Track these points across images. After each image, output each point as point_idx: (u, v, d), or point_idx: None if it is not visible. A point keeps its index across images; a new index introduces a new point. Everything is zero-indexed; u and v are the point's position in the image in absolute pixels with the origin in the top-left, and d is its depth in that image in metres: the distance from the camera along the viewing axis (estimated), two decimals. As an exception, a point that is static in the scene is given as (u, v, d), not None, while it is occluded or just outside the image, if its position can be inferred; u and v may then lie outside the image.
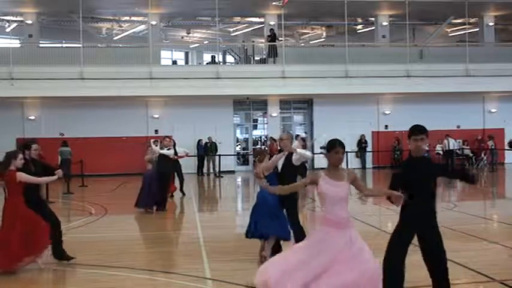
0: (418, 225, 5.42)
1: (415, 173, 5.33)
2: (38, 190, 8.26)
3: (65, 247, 8.16)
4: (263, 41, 28.67)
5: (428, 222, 5.46)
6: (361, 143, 27.34)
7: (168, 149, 14.29)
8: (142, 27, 32.32)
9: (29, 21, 26.45)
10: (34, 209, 7.65)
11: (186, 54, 38.42)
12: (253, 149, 26.59)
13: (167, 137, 14.81)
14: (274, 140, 25.86)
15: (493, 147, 26.50)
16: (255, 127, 29.58)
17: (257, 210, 7.82)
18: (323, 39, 35.77)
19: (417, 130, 5.35)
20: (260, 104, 27.72)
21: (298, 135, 24.33)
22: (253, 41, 32.70)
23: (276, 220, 7.64)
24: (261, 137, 29.36)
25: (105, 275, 7.51)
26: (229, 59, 30.00)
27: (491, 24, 29.12)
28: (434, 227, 5.50)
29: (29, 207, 7.61)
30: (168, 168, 14.18)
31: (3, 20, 29.69)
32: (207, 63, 30.01)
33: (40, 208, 7.84)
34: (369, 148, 27.56)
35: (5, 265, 7.44)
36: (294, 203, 7.81)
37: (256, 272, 5.21)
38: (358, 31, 34.44)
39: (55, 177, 8.04)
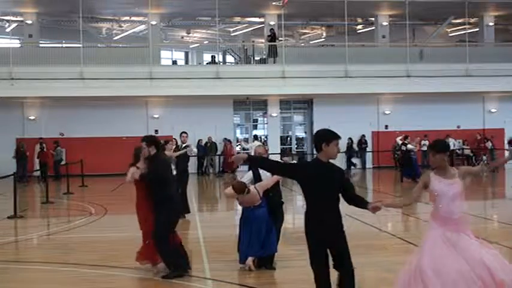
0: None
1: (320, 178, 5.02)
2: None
3: (65, 247, 8.17)
4: (263, 41, 28.67)
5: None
6: (361, 143, 27.33)
7: (185, 147, 13.57)
8: (142, 27, 32.31)
9: (29, 21, 26.44)
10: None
11: (186, 54, 38.41)
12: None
13: (183, 132, 13.60)
14: (229, 141, 25.81)
15: (492, 148, 26.51)
16: (255, 127, 29.57)
17: (248, 228, 7.53)
18: (323, 39, 35.75)
19: (338, 135, 5.09)
20: (260, 104, 27.72)
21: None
22: (253, 41, 32.70)
23: (267, 237, 7.46)
24: (261, 137, 29.35)
25: (105, 275, 7.50)
26: (229, 59, 29.99)
27: (491, 24, 29.11)
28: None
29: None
30: (186, 166, 13.55)
31: (3, 20, 29.66)
32: (207, 63, 30.00)
33: None
34: (369, 148, 27.56)
35: (149, 257, 7.38)
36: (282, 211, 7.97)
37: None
38: (358, 31, 34.43)
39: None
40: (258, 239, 7.40)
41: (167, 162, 7.80)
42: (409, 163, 20.16)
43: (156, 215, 7.09)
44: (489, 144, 26.58)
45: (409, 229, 10.99)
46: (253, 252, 7.45)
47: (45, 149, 24.08)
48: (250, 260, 7.42)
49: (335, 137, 4.99)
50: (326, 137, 5.00)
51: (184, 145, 13.14)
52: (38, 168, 23.51)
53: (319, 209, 4.97)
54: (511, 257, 8.26)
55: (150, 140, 7.28)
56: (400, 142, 21.17)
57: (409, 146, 20.25)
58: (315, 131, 27.12)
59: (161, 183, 7.12)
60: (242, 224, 7.64)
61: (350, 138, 26.75)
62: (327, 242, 5.00)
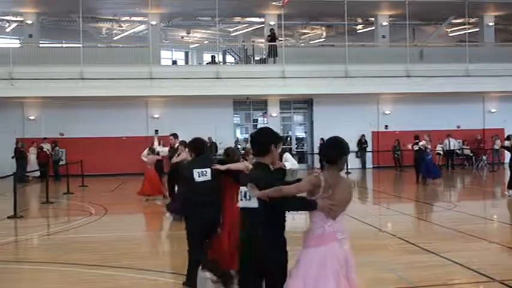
0: None
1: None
2: None
3: (65, 247, 8.17)
4: (263, 41, 28.66)
5: None
6: (361, 143, 27.33)
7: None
8: (142, 27, 32.31)
9: (29, 21, 26.44)
10: None
11: (186, 54, 38.40)
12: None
13: (173, 134, 13.68)
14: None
15: (497, 147, 26.52)
16: (255, 127, 29.54)
17: None
18: (323, 39, 35.75)
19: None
20: (260, 104, 27.72)
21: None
22: (253, 41, 32.69)
23: None
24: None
25: (104, 275, 7.50)
26: (229, 59, 29.98)
27: (491, 24, 29.11)
28: None
29: None
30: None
31: (3, 20, 29.67)
32: (207, 63, 29.99)
33: None
34: (369, 148, 27.55)
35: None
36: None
37: None
38: (358, 31, 34.43)
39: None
40: None
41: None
42: (423, 163, 19.26)
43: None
44: (498, 143, 26.54)
45: (409, 229, 10.99)
46: None
47: (44, 149, 24.12)
48: None
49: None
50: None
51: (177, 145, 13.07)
52: (36, 168, 23.56)
53: None
54: (510, 257, 8.30)
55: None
56: (415, 147, 20.00)
57: (421, 143, 19.90)
58: (315, 131, 27.11)
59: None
60: None
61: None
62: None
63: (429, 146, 20.01)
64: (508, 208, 14.54)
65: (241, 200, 4.36)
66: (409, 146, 20.69)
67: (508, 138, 17.66)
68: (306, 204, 4.24)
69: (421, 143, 19.79)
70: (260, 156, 4.38)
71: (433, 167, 20.09)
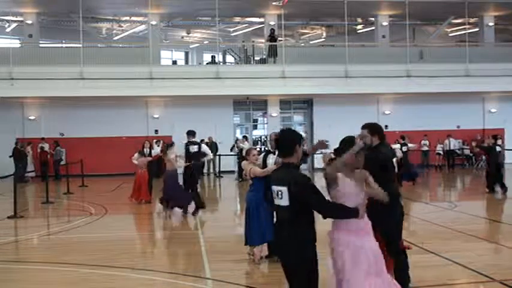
0: None
1: None
2: None
3: (65, 247, 8.17)
4: (263, 41, 28.67)
5: None
6: (361, 143, 27.25)
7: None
8: (143, 27, 32.31)
9: (29, 21, 26.44)
10: None
11: (186, 54, 38.42)
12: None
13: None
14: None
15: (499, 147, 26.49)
16: (255, 127, 29.58)
17: (250, 217, 7.78)
18: (323, 39, 35.76)
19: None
20: (260, 104, 27.72)
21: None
22: (253, 41, 32.69)
23: (266, 225, 7.56)
24: (261, 137, 29.38)
25: (104, 275, 7.50)
26: (229, 59, 29.98)
27: (491, 24, 29.11)
28: None
29: None
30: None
31: (3, 20, 29.67)
32: (207, 63, 29.98)
33: None
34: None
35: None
36: None
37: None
38: (358, 31, 34.44)
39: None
40: (255, 226, 7.59)
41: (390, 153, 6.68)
42: (408, 164, 19.32)
43: (387, 214, 5.60)
44: (500, 143, 26.52)
45: (409, 229, 10.99)
46: (252, 241, 7.71)
47: (45, 149, 24.16)
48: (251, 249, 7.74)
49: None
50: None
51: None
52: (32, 168, 23.59)
53: None
54: (510, 257, 8.29)
55: (374, 129, 6.36)
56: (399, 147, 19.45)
57: (410, 145, 19.85)
58: (315, 131, 27.08)
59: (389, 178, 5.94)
60: (249, 211, 7.89)
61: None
62: None
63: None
64: (508, 208, 14.55)
65: (274, 198, 4.56)
66: (397, 147, 19.10)
67: (495, 138, 17.82)
68: (349, 213, 4.59)
69: (411, 145, 19.77)
70: (287, 157, 4.59)
71: (411, 167, 19.78)
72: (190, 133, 13.28)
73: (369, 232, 4.81)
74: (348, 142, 5.06)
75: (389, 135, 27.67)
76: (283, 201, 4.42)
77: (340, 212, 4.58)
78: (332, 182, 4.73)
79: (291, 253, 4.39)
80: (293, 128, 22.92)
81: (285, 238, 4.42)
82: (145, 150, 17.66)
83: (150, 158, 16.40)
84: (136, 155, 15.79)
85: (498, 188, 15.97)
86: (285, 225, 4.43)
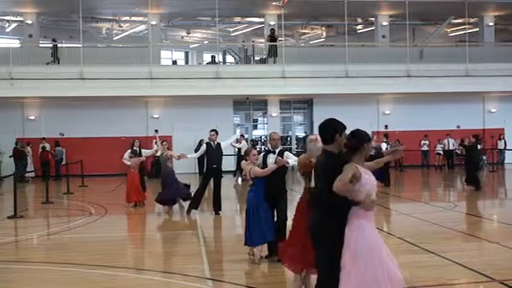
0: None
1: None
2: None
3: (65, 247, 8.16)
4: (263, 41, 28.67)
5: None
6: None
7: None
8: (142, 27, 32.33)
9: (29, 21, 26.45)
10: None
11: (186, 54, 38.44)
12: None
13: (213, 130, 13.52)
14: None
15: (501, 147, 26.54)
16: (255, 127, 29.57)
17: (250, 217, 7.75)
18: (323, 39, 35.78)
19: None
20: (260, 104, 27.72)
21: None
22: (253, 41, 32.70)
23: (266, 225, 7.60)
24: (261, 137, 29.37)
25: (104, 275, 7.50)
26: (229, 59, 29.98)
27: (491, 24, 29.12)
28: None
29: None
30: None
31: (3, 20, 29.70)
32: (207, 63, 30.00)
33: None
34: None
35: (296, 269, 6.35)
36: (286, 198, 7.96)
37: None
38: (358, 31, 34.46)
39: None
40: (255, 226, 7.58)
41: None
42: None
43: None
44: (502, 143, 26.58)
45: (409, 229, 10.98)
46: (252, 241, 7.70)
47: (47, 149, 24.16)
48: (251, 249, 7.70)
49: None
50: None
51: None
52: (32, 168, 23.58)
53: None
54: (510, 257, 8.28)
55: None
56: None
57: (383, 145, 19.90)
58: (315, 131, 27.01)
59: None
60: (249, 212, 7.85)
61: None
62: None
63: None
64: (508, 208, 14.55)
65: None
66: (383, 147, 19.21)
67: (476, 137, 18.40)
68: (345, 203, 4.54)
69: (384, 144, 19.90)
70: (326, 144, 4.80)
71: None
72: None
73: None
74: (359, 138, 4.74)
75: (389, 135, 27.89)
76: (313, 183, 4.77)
77: (338, 201, 4.45)
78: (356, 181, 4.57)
79: (316, 237, 4.68)
80: (307, 126, 22.39)
81: (316, 219, 4.68)
82: (135, 149, 16.11)
83: (143, 158, 15.51)
84: (126, 155, 14.97)
85: (471, 186, 16.96)
86: (315, 211, 4.72)
